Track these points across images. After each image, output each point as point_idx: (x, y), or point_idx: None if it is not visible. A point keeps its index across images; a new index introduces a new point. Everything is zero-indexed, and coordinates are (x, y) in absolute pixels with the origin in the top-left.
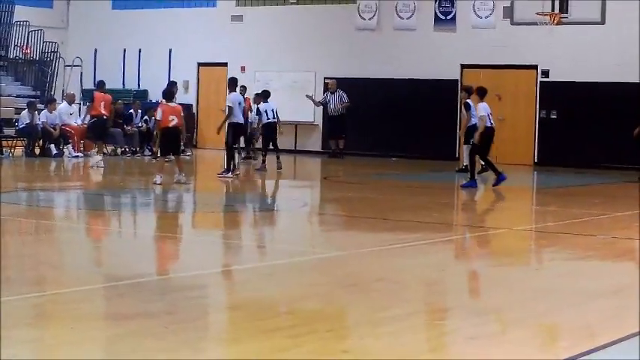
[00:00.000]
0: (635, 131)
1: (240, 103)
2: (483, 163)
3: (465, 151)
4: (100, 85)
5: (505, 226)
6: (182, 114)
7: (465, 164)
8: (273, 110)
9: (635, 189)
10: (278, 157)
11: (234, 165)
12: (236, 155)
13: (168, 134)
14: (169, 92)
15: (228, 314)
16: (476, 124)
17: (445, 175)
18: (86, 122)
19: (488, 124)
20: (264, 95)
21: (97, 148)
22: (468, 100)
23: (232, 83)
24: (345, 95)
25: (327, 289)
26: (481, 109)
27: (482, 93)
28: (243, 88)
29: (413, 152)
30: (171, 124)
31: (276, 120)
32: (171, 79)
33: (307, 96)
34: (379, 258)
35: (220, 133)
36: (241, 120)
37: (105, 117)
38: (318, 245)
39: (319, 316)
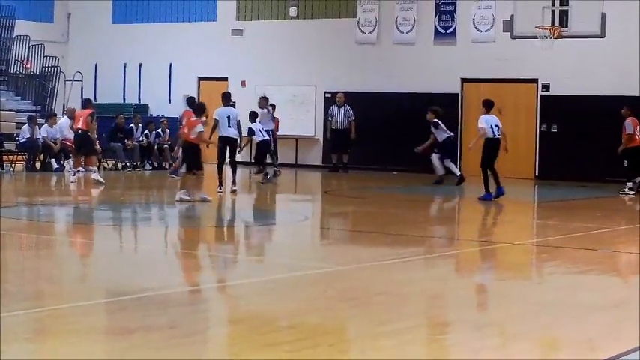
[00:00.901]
0: (619, 149)
1: (229, 117)
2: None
3: (435, 162)
4: (84, 104)
5: (506, 239)
6: (194, 128)
7: (439, 175)
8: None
9: (635, 202)
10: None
11: (220, 180)
12: (221, 170)
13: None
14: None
15: (229, 328)
16: (444, 139)
17: (445, 189)
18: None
19: (491, 135)
20: (253, 116)
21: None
22: (436, 120)
23: (224, 97)
24: (351, 111)
25: (328, 303)
26: (482, 121)
27: (487, 105)
28: (272, 107)
29: (414, 166)
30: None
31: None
32: (171, 92)
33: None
34: (380, 272)
35: (210, 147)
36: (228, 134)
37: (80, 130)
38: (318, 259)
39: (320, 330)
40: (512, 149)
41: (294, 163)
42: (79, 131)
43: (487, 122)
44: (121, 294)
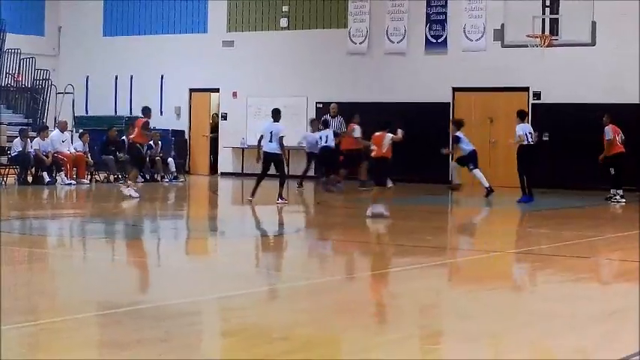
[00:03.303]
0: (600, 157)
1: (272, 132)
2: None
3: (454, 171)
4: (142, 111)
5: (498, 248)
6: (383, 141)
7: (456, 182)
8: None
9: (628, 210)
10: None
11: (253, 190)
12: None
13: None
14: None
15: (223, 341)
16: (467, 154)
17: (437, 199)
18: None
19: (525, 142)
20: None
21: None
22: (457, 134)
23: (273, 113)
24: (344, 123)
25: (321, 314)
26: (519, 129)
27: (521, 115)
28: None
29: (405, 176)
30: (372, 154)
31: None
32: (162, 104)
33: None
34: (373, 282)
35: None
36: (267, 148)
37: (130, 141)
38: (312, 270)
39: (314, 342)
40: (503, 158)
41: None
42: (130, 141)
43: (523, 130)
44: (113, 307)
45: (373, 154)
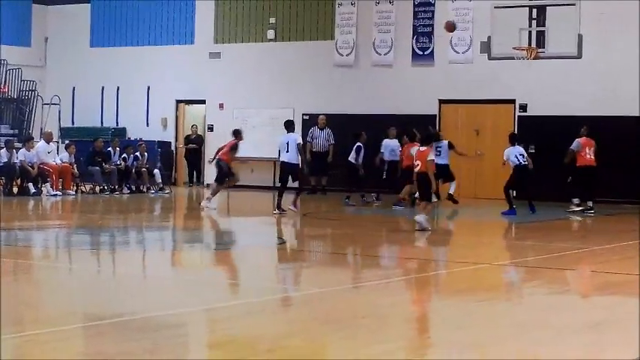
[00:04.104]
0: (566, 159)
1: (288, 143)
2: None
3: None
4: (233, 133)
5: (485, 260)
6: (427, 157)
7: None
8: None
9: (613, 222)
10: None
11: (278, 203)
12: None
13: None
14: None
15: (209, 353)
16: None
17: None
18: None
19: (517, 163)
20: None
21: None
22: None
23: (286, 125)
24: (332, 134)
25: (309, 326)
26: (505, 154)
27: (511, 139)
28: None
29: (391, 187)
30: (416, 169)
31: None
32: (148, 115)
33: None
34: (361, 294)
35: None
36: (282, 158)
37: (219, 160)
38: (299, 282)
39: (302, 354)
40: (490, 170)
41: (272, 185)
42: (219, 160)
43: (508, 154)
44: (99, 319)
45: (417, 169)
